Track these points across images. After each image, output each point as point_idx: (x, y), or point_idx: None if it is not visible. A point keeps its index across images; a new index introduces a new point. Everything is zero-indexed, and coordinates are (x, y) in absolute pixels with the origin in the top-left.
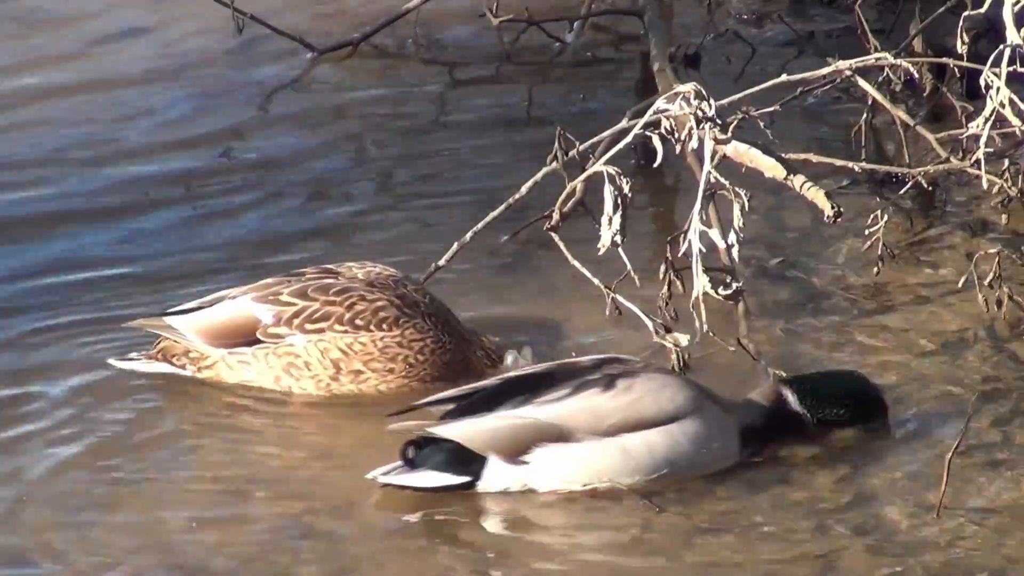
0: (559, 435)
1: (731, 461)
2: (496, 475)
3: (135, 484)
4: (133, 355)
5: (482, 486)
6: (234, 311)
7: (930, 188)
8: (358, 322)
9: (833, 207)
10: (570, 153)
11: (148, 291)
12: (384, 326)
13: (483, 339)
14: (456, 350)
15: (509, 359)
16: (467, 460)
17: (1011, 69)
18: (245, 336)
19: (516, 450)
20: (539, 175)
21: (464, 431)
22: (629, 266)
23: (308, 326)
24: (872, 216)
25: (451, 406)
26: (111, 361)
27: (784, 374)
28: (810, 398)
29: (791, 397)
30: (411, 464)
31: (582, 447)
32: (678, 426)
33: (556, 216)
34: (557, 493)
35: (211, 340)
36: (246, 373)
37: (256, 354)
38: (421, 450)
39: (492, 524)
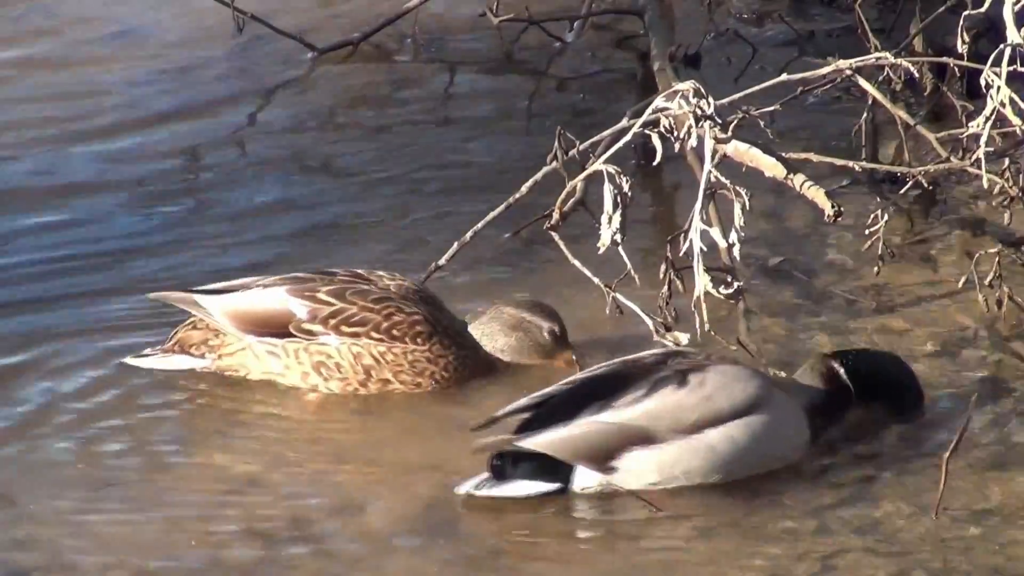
0: (644, 437)
1: (805, 447)
2: (586, 480)
3: (141, 485)
4: (147, 351)
5: (575, 489)
6: (267, 300)
7: (930, 188)
8: (395, 333)
9: (833, 206)
10: (570, 152)
11: (144, 288)
12: (419, 340)
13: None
14: (476, 359)
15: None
16: (555, 466)
17: (1011, 68)
18: (276, 327)
19: (604, 456)
20: (539, 174)
21: (552, 442)
22: (629, 265)
23: (344, 328)
24: (872, 216)
25: (526, 415)
26: (127, 360)
27: (783, 373)
28: (855, 372)
29: (841, 370)
30: (499, 474)
31: (669, 448)
32: (755, 417)
33: (556, 215)
34: (646, 493)
35: (240, 325)
36: (272, 364)
37: (287, 348)
38: (506, 460)
39: (496, 526)
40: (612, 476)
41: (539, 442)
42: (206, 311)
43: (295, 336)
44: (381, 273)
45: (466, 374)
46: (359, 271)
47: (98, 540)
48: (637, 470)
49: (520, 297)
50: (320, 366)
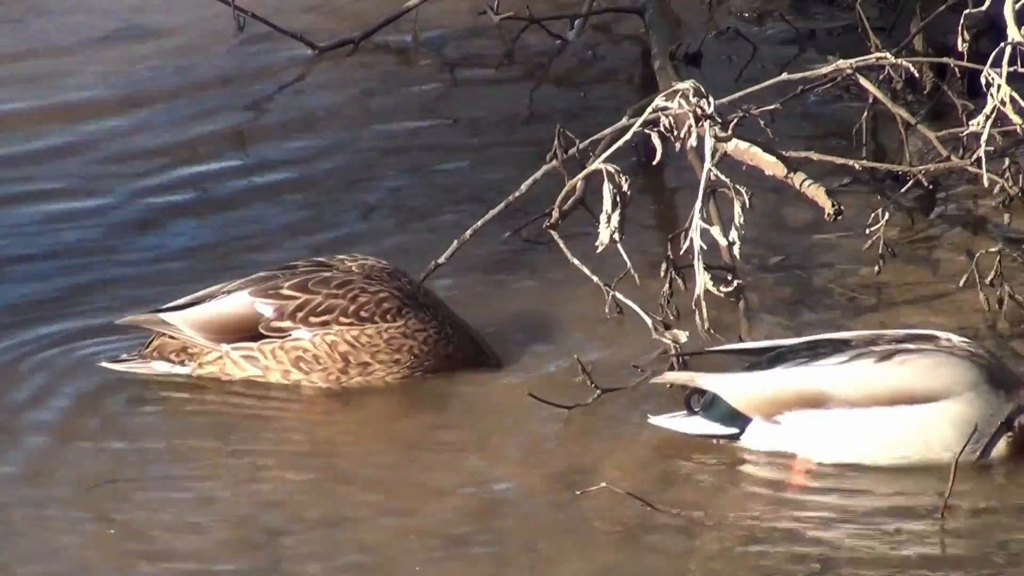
0: (819, 400)
1: (970, 454)
2: (757, 433)
3: (146, 489)
4: (124, 356)
5: (744, 441)
6: (232, 305)
7: (931, 186)
8: (363, 314)
9: (834, 205)
10: (570, 151)
11: (146, 289)
12: (388, 317)
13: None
14: (460, 342)
15: None
16: (738, 415)
17: (1012, 68)
18: (246, 331)
19: (771, 411)
20: (539, 173)
21: (724, 384)
22: (629, 264)
23: (312, 319)
24: (873, 214)
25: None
26: (104, 364)
27: None
28: None
29: None
30: (692, 411)
31: (832, 415)
32: (940, 406)
33: (556, 214)
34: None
35: (211, 335)
36: (252, 368)
37: (262, 349)
38: (701, 400)
39: (512, 526)
40: (777, 432)
41: (713, 382)
42: (175, 328)
43: (267, 336)
44: (342, 257)
45: (448, 351)
46: (321, 259)
47: (100, 544)
48: (799, 432)
49: None
50: (299, 361)
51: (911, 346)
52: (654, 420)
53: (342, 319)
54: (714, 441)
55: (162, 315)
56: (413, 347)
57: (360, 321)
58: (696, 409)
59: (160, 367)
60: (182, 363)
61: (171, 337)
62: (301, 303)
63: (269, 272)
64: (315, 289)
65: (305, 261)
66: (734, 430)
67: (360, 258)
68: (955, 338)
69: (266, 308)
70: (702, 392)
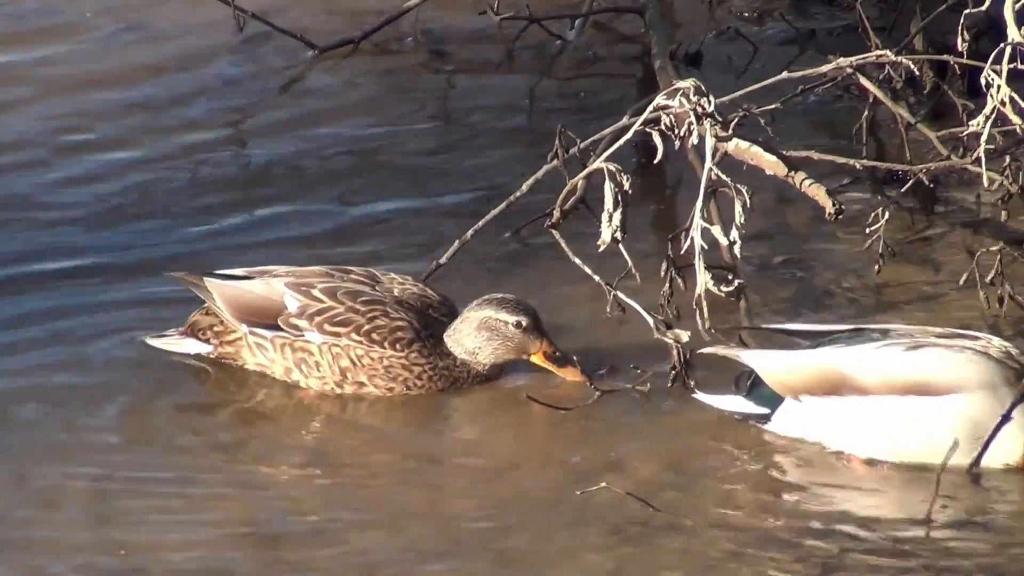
0: (837, 384)
1: (1011, 459)
2: (784, 415)
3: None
4: (169, 332)
5: (772, 423)
6: (266, 290)
7: (931, 186)
8: (374, 336)
9: (834, 204)
10: (571, 151)
11: (150, 283)
12: (398, 347)
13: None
14: (448, 375)
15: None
16: (775, 397)
17: (1012, 67)
18: (267, 318)
19: (795, 391)
20: (540, 173)
21: (762, 361)
22: (630, 263)
23: (327, 327)
24: (873, 214)
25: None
26: (147, 340)
27: None
28: None
29: None
30: (739, 389)
31: (847, 402)
32: (948, 399)
33: (557, 213)
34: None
35: (237, 313)
36: (262, 357)
37: (275, 341)
38: (747, 379)
39: (513, 526)
40: (800, 415)
41: (752, 356)
42: (210, 295)
43: (283, 330)
44: (393, 276)
45: (441, 386)
46: (373, 271)
47: (98, 535)
48: (820, 416)
49: (490, 294)
50: (301, 363)
51: (944, 341)
52: (699, 396)
53: (353, 335)
54: (748, 422)
55: (205, 279)
56: (408, 379)
57: (370, 342)
58: (742, 390)
59: (190, 345)
60: (207, 341)
61: (205, 313)
62: (323, 308)
63: (322, 269)
64: (341, 299)
65: (361, 270)
66: (766, 411)
67: (409, 283)
68: (996, 340)
69: (292, 303)
70: (752, 374)
